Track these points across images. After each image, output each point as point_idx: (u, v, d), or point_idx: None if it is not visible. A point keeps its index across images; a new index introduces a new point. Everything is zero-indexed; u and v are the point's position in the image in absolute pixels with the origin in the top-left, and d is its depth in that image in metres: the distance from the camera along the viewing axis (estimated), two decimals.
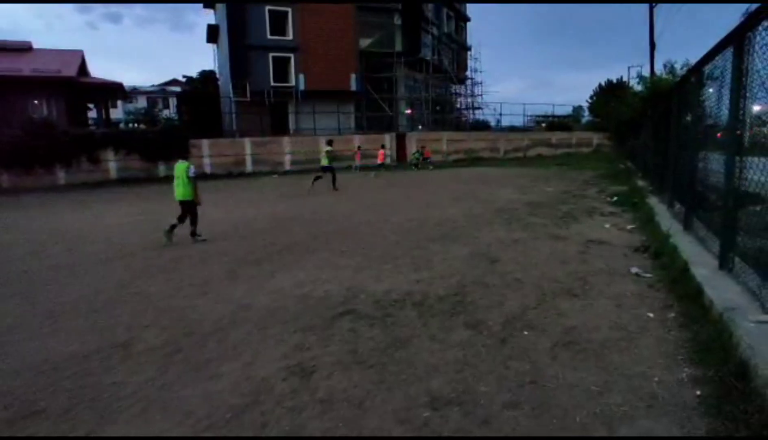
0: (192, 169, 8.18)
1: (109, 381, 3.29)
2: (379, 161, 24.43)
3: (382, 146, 25.98)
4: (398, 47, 33.15)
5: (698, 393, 2.83)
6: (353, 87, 31.05)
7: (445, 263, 6.15)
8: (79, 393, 3.14)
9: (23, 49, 26.81)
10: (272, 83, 29.33)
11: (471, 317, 4.24)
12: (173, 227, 8.08)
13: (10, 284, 5.90)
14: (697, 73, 6.17)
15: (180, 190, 8.11)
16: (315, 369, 3.37)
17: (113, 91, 29.21)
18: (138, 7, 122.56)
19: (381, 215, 10.47)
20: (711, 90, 5.61)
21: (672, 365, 3.22)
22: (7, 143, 20.56)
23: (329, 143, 16.99)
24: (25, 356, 3.75)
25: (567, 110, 49.12)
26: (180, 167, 8.14)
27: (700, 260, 4.89)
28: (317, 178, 16.04)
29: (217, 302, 4.95)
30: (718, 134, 5.16)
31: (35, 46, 27.63)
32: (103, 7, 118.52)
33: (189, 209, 8.15)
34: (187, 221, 8.18)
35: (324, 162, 16.15)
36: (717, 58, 5.04)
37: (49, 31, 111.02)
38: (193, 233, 8.20)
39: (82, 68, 27.48)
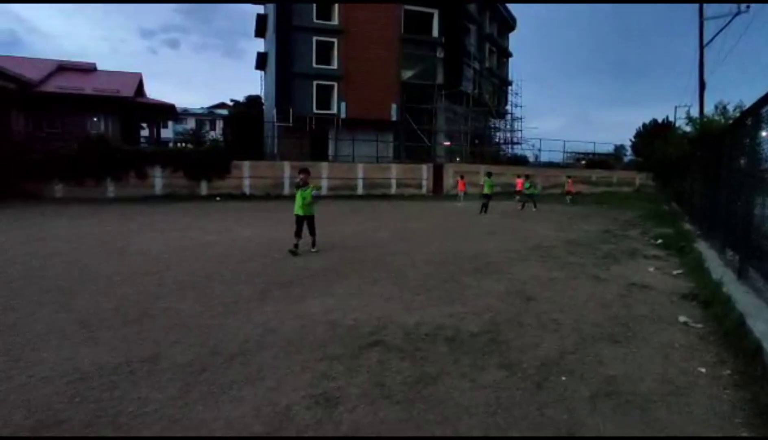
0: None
1: (133, 396, 3.27)
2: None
3: (462, 177, 25.85)
4: (439, 79, 33.54)
5: None
6: (393, 117, 31.53)
7: (479, 299, 5.96)
8: (103, 406, 3.12)
9: (88, 69, 28.85)
10: (314, 110, 30.15)
11: (505, 358, 4.04)
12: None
13: (50, 291, 6.09)
14: (753, 115, 5.88)
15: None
16: (340, 400, 3.25)
17: (165, 111, 30.86)
18: (195, 35, 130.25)
19: (415, 244, 10.36)
20: None
21: (728, 427, 2.93)
22: (64, 156, 21.87)
23: (489, 174, 19.81)
24: (54, 364, 3.80)
25: (608, 149, 48.12)
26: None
27: (758, 314, 4.52)
28: (484, 205, 18.51)
29: (245, 323, 4.92)
30: None
31: (100, 68, 29.64)
32: (163, 33, 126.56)
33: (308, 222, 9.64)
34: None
35: (486, 190, 18.92)
36: None
37: (114, 55, 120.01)
38: (314, 243, 9.55)
39: (139, 89, 29.20)
